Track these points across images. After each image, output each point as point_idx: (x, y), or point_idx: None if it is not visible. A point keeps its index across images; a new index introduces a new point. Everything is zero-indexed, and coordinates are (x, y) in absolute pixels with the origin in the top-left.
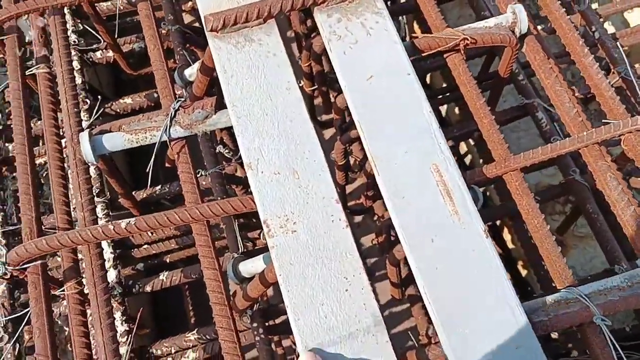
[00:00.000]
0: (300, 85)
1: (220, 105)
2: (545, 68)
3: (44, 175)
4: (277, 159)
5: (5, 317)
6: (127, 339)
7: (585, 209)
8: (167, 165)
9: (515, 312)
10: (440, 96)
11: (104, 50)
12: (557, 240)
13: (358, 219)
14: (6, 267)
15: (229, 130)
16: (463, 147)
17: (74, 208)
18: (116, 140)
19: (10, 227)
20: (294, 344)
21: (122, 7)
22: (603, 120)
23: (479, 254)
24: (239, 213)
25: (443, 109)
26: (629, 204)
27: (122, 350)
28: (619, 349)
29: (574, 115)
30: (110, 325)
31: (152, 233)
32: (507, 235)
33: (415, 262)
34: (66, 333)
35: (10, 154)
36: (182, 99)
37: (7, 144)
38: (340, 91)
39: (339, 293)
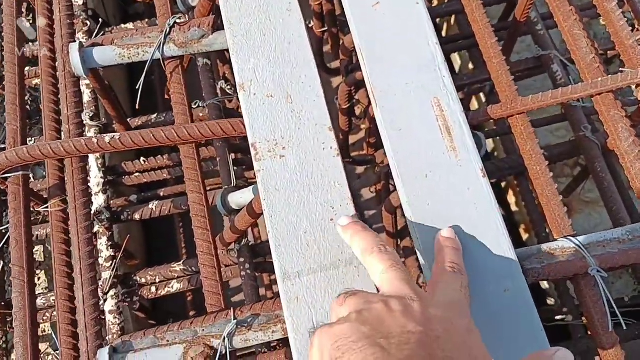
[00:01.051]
0: (310, 25)
1: (219, 27)
2: (564, 10)
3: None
4: (272, 81)
5: None
6: (112, 264)
7: (594, 168)
8: (166, 96)
9: (507, 256)
10: (452, 42)
11: None
12: (563, 202)
13: (360, 170)
14: None
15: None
16: (474, 104)
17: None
18: (107, 54)
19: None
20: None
21: None
22: (620, 69)
23: (474, 193)
24: (228, 136)
25: (457, 65)
26: (638, 157)
27: (106, 275)
28: (613, 303)
29: (590, 61)
30: (88, 240)
31: (144, 160)
32: (511, 198)
33: (406, 196)
34: None
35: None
36: (178, 16)
37: None
38: (349, 32)
39: (324, 222)
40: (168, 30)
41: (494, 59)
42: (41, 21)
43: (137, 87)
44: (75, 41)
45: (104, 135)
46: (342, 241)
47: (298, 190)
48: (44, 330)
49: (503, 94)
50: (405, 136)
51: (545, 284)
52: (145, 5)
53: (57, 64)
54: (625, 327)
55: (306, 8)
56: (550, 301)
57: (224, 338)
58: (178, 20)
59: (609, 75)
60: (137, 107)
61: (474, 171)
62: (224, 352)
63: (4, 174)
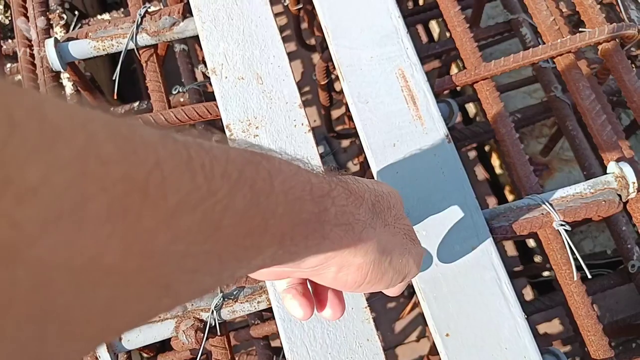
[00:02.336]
0: (286, 4)
1: (190, 14)
2: None
3: None
4: (242, 64)
5: None
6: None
7: (565, 127)
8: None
9: (474, 216)
10: (430, 10)
11: None
12: (542, 163)
13: (346, 143)
14: None
15: None
16: (454, 70)
17: None
18: (82, 48)
19: None
20: None
21: None
22: (580, 29)
23: (441, 159)
24: (204, 119)
25: (435, 33)
26: (600, 113)
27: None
28: (577, 255)
29: (550, 23)
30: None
31: None
32: (495, 161)
33: (376, 167)
34: None
35: None
36: (148, 6)
37: None
38: None
39: None
40: (139, 20)
41: (457, 27)
42: (17, 17)
43: (113, 78)
44: (50, 37)
45: None
46: None
47: None
48: None
49: (468, 61)
50: (373, 108)
51: (531, 243)
52: None
53: (35, 59)
54: (591, 277)
55: None
56: (537, 259)
57: (212, 311)
58: (149, 10)
59: (569, 36)
60: (114, 96)
61: (440, 138)
62: (213, 324)
63: None
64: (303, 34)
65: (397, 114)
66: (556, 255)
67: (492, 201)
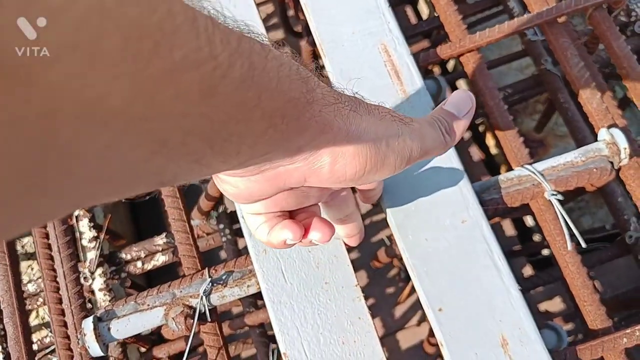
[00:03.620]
0: None
1: None
2: None
3: None
4: None
5: None
6: (96, 244)
7: (557, 99)
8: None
9: (463, 189)
10: None
11: None
12: (537, 140)
13: None
14: None
15: None
16: None
17: None
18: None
19: None
20: None
21: None
22: None
23: None
24: None
25: (424, 15)
26: (589, 80)
27: (91, 255)
28: (571, 225)
29: None
30: (65, 232)
31: None
32: (490, 141)
33: None
34: None
35: None
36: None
37: None
38: None
39: None
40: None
41: (440, 0)
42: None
43: None
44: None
45: None
46: None
47: None
48: (43, 318)
49: (452, 34)
50: (357, 85)
51: (529, 221)
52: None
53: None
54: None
55: None
56: (536, 237)
57: (201, 297)
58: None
59: (554, 4)
60: None
61: (425, 111)
62: (202, 310)
63: None
64: (290, 21)
65: (382, 89)
66: (549, 225)
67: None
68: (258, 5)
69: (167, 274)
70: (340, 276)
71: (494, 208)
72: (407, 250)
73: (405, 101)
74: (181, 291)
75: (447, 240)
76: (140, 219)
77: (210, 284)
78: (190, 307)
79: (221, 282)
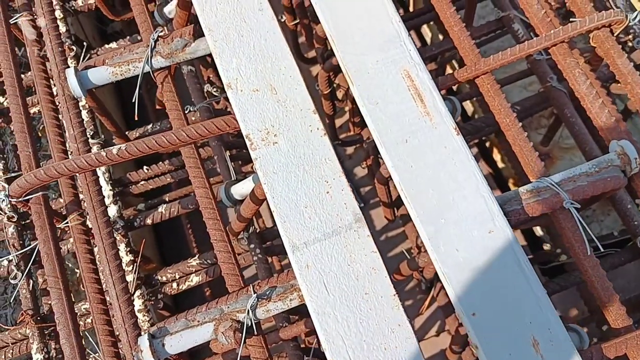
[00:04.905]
0: (283, 20)
1: (199, 34)
2: None
3: (41, 128)
4: (255, 76)
5: (15, 253)
6: (133, 268)
7: (564, 114)
8: (157, 107)
9: (487, 202)
10: (421, 16)
11: None
12: (544, 153)
13: (350, 150)
14: (9, 198)
15: (216, 68)
16: (448, 71)
17: (71, 151)
18: (101, 74)
19: (12, 174)
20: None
21: None
22: (571, 19)
23: (451, 150)
24: (223, 133)
25: (428, 37)
26: (597, 96)
27: (129, 278)
28: (589, 231)
29: (542, 16)
30: (112, 244)
31: (147, 169)
32: (496, 155)
33: (391, 162)
34: (77, 275)
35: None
36: (160, 30)
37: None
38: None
39: (321, 195)
40: (153, 44)
41: (454, 27)
42: (32, 51)
43: (133, 101)
44: (69, 67)
45: (111, 147)
46: (340, 210)
47: (293, 171)
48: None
49: (467, 58)
50: (383, 108)
51: (539, 231)
52: (123, 23)
53: (53, 89)
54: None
55: (277, 4)
56: (546, 246)
57: (248, 311)
58: (160, 34)
59: (561, 27)
60: (136, 118)
61: (448, 131)
62: (249, 324)
63: (25, 196)
64: (301, 47)
65: (406, 112)
66: (568, 233)
67: (497, 193)
68: None
69: (193, 296)
70: (379, 287)
71: (516, 218)
72: (440, 261)
73: (428, 123)
74: (229, 307)
75: (477, 250)
76: (163, 244)
77: (256, 299)
78: (238, 322)
79: (265, 297)
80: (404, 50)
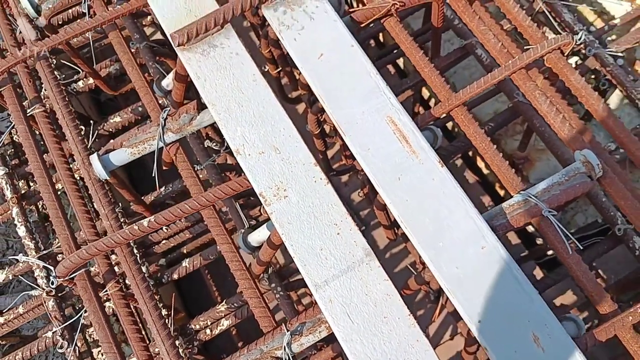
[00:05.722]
0: (266, 70)
1: (201, 106)
2: (468, 13)
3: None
4: (259, 140)
5: (60, 325)
6: (168, 321)
7: (533, 124)
8: (164, 168)
9: (477, 222)
10: (395, 50)
11: (84, 79)
12: (522, 157)
13: (345, 178)
14: (57, 279)
15: (212, 125)
16: (425, 92)
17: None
18: (121, 156)
19: (44, 252)
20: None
21: (92, 36)
22: (525, 47)
23: (439, 182)
24: (237, 193)
25: (400, 61)
26: (558, 113)
27: None
28: (567, 233)
29: (500, 48)
30: (155, 306)
31: (167, 228)
32: (480, 163)
33: (388, 199)
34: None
35: (24, 191)
36: (168, 109)
37: (20, 181)
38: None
39: (333, 237)
40: (163, 122)
41: (424, 68)
42: (50, 140)
43: (152, 175)
44: (92, 152)
45: (142, 221)
46: (352, 247)
47: (305, 219)
48: None
49: (440, 95)
50: (374, 153)
51: (530, 228)
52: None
53: (76, 171)
54: (587, 246)
55: (260, 56)
56: (539, 241)
57: (284, 347)
58: (169, 112)
59: (517, 57)
60: (157, 187)
61: (434, 165)
62: (287, 359)
63: (70, 274)
64: (285, 89)
65: (395, 153)
66: (550, 237)
67: (486, 199)
68: None
69: (220, 339)
70: (395, 310)
71: (504, 231)
72: (443, 280)
73: (415, 160)
74: (267, 346)
75: (473, 266)
76: (183, 291)
77: (290, 335)
78: (278, 358)
79: (297, 333)
80: (385, 99)
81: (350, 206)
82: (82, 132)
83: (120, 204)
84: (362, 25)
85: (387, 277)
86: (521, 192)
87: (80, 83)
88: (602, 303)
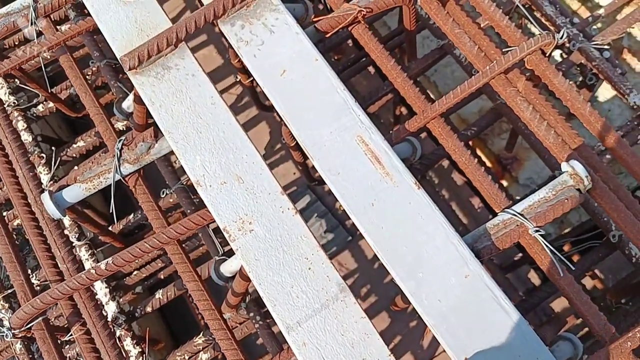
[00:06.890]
0: (238, 79)
1: (161, 132)
2: (441, 16)
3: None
4: (220, 169)
5: None
6: (143, 358)
7: (518, 127)
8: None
9: (458, 248)
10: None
11: (44, 103)
12: (510, 157)
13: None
14: (13, 332)
15: None
16: None
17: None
18: (75, 192)
19: (8, 291)
20: None
21: (47, 57)
22: (504, 50)
23: (415, 205)
24: (201, 226)
25: None
26: (541, 120)
27: None
28: (557, 253)
29: (476, 52)
30: (119, 356)
31: (137, 260)
32: None
33: (362, 227)
34: None
35: None
36: (123, 139)
37: None
38: None
39: (304, 272)
40: (119, 153)
41: (397, 78)
42: (7, 180)
43: (110, 212)
44: (44, 190)
45: (100, 263)
46: (324, 283)
47: (274, 254)
48: None
49: (415, 106)
50: (345, 177)
51: None
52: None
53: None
54: (582, 253)
55: (230, 66)
56: None
57: None
58: (124, 142)
59: (495, 62)
60: (116, 224)
61: (409, 187)
62: None
63: (27, 325)
64: (260, 97)
65: (367, 176)
66: (540, 258)
67: (476, 201)
68: (229, 87)
69: None
70: (374, 350)
71: (488, 255)
72: (425, 314)
73: (389, 183)
74: None
75: (457, 297)
76: (167, 317)
77: None
78: None
79: None
80: (354, 117)
81: (335, 216)
82: (40, 160)
83: (87, 234)
84: (328, 35)
85: (364, 314)
86: (506, 210)
87: (40, 107)
88: (598, 326)
